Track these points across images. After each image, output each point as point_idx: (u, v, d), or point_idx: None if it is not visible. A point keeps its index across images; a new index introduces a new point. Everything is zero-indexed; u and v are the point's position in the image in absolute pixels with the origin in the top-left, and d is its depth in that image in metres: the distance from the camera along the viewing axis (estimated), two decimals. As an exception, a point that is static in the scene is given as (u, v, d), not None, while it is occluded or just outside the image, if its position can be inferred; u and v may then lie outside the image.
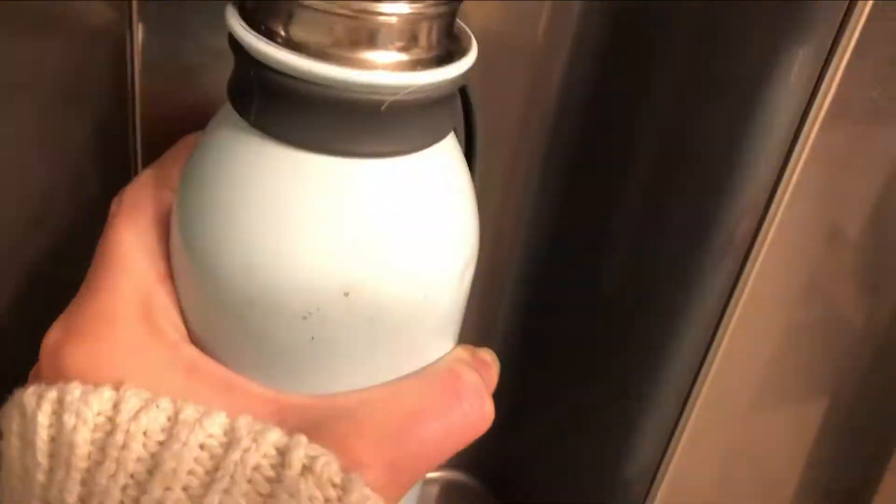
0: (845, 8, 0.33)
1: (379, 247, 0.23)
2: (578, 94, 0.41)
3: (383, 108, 0.22)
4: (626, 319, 0.42)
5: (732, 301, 0.37)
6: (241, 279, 0.23)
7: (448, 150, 0.25)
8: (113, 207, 0.26)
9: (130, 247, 0.25)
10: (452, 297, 0.26)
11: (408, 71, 0.22)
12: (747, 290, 0.37)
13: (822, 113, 0.34)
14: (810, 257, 0.38)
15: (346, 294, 0.23)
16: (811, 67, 0.34)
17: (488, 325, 0.47)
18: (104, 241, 0.25)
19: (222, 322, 0.24)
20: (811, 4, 0.34)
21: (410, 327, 0.25)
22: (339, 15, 0.21)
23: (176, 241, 0.25)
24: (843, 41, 0.33)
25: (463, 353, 0.27)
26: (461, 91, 0.27)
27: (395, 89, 0.22)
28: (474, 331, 0.45)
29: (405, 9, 0.22)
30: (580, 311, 0.44)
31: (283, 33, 0.22)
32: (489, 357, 0.28)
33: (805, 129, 0.35)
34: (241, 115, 0.23)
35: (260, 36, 0.22)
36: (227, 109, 0.24)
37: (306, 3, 0.21)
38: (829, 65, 0.33)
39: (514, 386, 0.34)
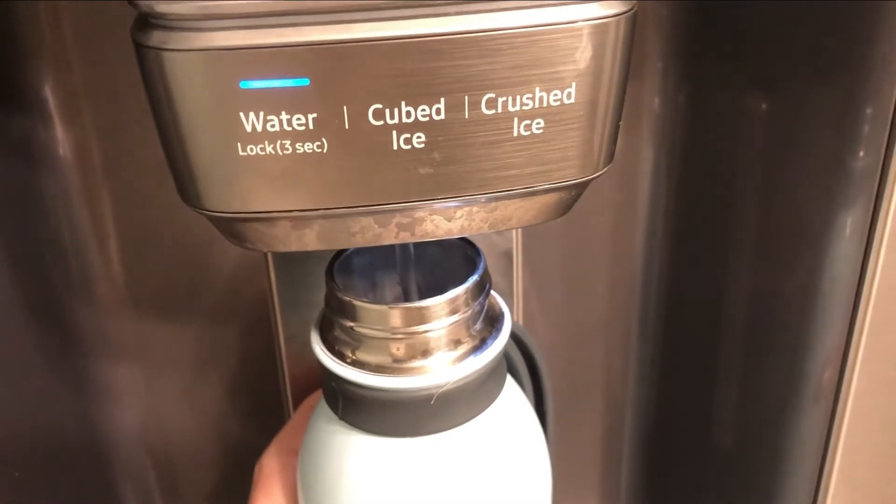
0: (879, 171, 0.35)
1: (451, 500, 0.29)
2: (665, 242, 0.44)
3: (432, 401, 0.27)
4: (735, 468, 0.44)
5: (830, 449, 0.39)
6: (349, 540, 0.29)
7: (506, 403, 0.30)
8: (255, 473, 0.34)
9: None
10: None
11: (454, 364, 0.28)
12: (843, 437, 0.39)
13: (881, 259, 0.37)
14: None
15: (431, 547, 0.28)
16: (862, 221, 0.36)
17: (613, 475, 0.50)
18: (251, 506, 0.33)
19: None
20: (849, 172, 0.37)
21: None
22: (393, 339, 0.27)
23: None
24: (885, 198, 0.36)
25: None
26: (514, 338, 0.32)
27: (440, 385, 0.27)
28: (600, 488, 0.49)
29: (448, 322, 0.28)
30: (694, 462, 0.47)
31: (351, 355, 0.28)
32: None
33: (867, 273, 0.37)
34: (332, 410, 0.30)
35: (335, 358, 0.28)
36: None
37: (365, 332, 0.28)
38: (878, 215, 0.36)
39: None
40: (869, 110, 0.36)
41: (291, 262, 0.37)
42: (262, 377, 0.40)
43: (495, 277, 0.39)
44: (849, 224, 0.37)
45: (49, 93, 0.35)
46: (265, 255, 0.37)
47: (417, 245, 0.31)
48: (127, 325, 0.39)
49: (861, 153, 0.36)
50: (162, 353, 0.40)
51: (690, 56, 0.39)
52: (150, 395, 0.41)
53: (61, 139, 0.35)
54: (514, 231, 0.38)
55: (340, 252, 0.30)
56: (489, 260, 0.38)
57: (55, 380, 0.37)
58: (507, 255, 0.38)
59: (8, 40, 0.34)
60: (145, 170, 0.36)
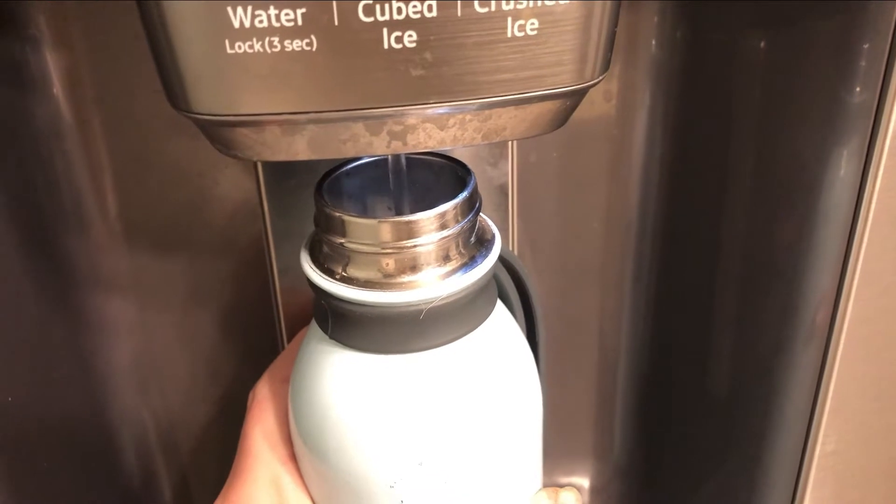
0: (875, 107, 0.35)
1: (439, 420, 0.28)
2: (657, 199, 0.44)
3: (421, 316, 0.27)
4: (729, 408, 0.44)
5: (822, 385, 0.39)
6: (338, 459, 0.29)
7: (495, 325, 0.30)
8: (249, 401, 0.34)
9: (259, 438, 0.32)
10: (519, 452, 0.30)
11: (443, 279, 0.28)
12: (835, 374, 0.39)
13: (874, 199, 0.36)
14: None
15: (421, 464, 0.28)
16: (857, 159, 0.36)
17: (607, 418, 0.50)
18: (243, 432, 0.33)
19: (334, 492, 0.30)
20: (846, 109, 0.36)
21: (481, 487, 0.29)
22: (382, 254, 0.27)
23: (292, 428, 0.31)
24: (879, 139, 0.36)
25: (545, 498, 0.31)
26: (505, 265, 0.32)
27: (429, 301, 0.27)
28: (595, 431, 0.49)
29: (437, 237, 0.27)
30: (689, 403, 0.47)
31: (340, 271, 0.28)
32: (571, 498, 0.32)
33: (860, 213, 0.37)
34: (322, 329, 0.29)
35: (325, 276, 0.28)
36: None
37: (356, 248, 0.27)
38: (872, 152, 0.36)
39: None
40: (866, 46, 0.35)
41: (285, 193, 0.36)
42: (257, 311, 0.40)
43: (490, 211, 0.38)
44: (843, 162, 0.37)
45: (39, 17, 0.34)
46: (259, 188, 0.37)
47: (409, 167, 0.31)
48: (121, 258, 0.39)
49: (858, 89, 0.36)
50: (156, 287, 0.40)
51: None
52: (144, 329, 0.41)
53: (51, 65, 0.35)
54: (509, 165, 0.38)
55: (331, 171, 0.30)
56: (484, 194, 0.38)
57: (48, 314, 0.37)
58: (503, 190, 0.38)
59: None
60: (138, 98, 0.36)
